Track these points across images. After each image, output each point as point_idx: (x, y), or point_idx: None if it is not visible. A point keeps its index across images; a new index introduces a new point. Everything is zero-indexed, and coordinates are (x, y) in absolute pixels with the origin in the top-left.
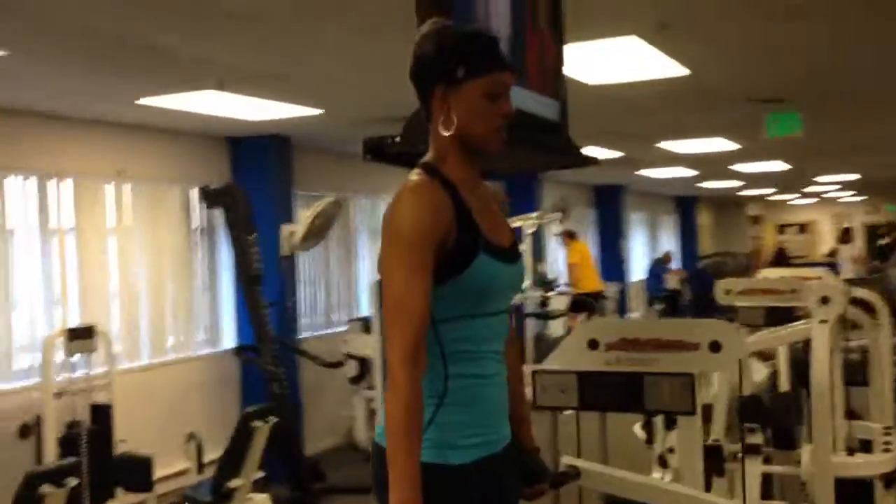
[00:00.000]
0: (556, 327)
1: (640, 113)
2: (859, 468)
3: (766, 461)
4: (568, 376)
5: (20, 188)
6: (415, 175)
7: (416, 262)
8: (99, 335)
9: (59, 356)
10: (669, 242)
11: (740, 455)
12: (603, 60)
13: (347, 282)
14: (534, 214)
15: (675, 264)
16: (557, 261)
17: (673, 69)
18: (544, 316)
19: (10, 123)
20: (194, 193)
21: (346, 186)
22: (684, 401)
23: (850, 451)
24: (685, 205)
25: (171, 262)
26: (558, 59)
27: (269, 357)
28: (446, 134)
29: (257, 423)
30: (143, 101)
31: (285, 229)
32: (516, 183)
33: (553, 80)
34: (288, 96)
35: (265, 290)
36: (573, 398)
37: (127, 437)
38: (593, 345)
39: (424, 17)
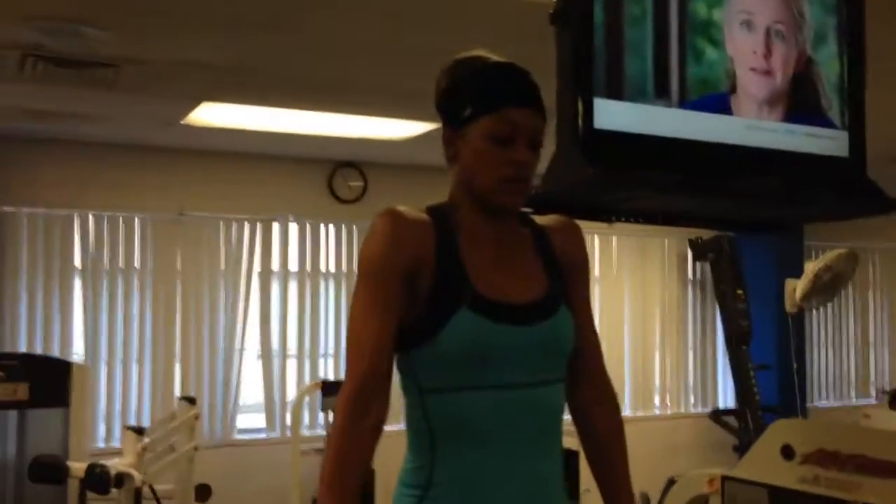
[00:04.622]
0: None
1: None
2: None
3: None
4: (758, 490)
5: None
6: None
7: (373, 297)
8: None
9: None
10: None
11: None
12: None
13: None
14: None
15: None
16: None
17: None
18: None
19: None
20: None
21: (863, 236)
22: None
23: None
24: None
25: (661, 314)
26: (856, 83)
27: (751, 424)
28: (455, 179)
29: None
30: None
31: (790, 284)
32: None
33: (838, 108)
34: None
35: (756, 351)
36: None
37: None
38: (787, 453)
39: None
